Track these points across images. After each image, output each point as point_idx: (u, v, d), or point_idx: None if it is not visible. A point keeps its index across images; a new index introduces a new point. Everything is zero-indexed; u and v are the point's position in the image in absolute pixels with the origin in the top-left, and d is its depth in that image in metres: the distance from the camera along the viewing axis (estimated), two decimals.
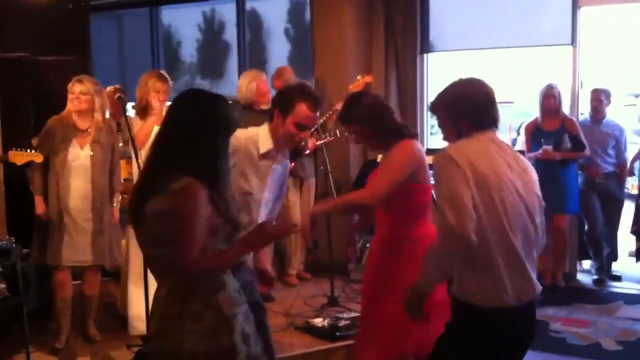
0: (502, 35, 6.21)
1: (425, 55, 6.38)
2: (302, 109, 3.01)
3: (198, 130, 2.24)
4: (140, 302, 4.41)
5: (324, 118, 5.66)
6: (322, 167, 5.59)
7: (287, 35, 8.56)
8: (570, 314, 5.24)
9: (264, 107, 5.35)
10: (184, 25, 8.83)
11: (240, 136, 3.01)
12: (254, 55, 7.91)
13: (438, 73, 6.50)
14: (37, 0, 6.50)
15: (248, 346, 2.29)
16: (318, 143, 5.27)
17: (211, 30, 9.10)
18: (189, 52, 9.15)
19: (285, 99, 3.07)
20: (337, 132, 5.24)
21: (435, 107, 2.70)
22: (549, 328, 4.95)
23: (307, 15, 8.29)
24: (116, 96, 4.74)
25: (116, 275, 5.20)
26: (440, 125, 2.70)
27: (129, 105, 5.50)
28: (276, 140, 3.11)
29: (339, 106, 5.67)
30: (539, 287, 2.55)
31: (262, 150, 3.11)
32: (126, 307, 4.74)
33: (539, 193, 2.59)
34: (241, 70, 7.50)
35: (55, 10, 6.69)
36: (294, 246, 5.87)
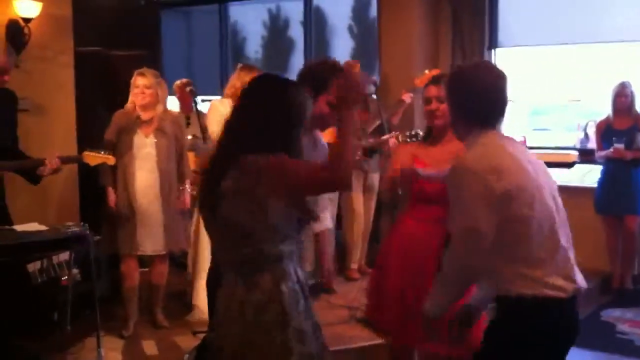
0: (572, 31, 6.09)
1: (492, 50, 6.31)
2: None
3: (268, 118, 2.21)
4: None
5: (391, 112, 5.65)
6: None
7: (351, 32, 8.57)
8: (638, 316, 5.11)
9: None
10: (250, 22, 8.93)
11: None
12: (318, 52, 7.96)
13: (506, 69, 6.40)
14: None
15: (302, 344, 2.20)
16: (384, 138, 5.27)
17: (276, 27, 9.18)
18: (254, 48, 9.25)
19: (318, 77, 2.82)
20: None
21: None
22: (616, 330, 4.85)
23: (371, 12, 8.28)
24: (188, 89, 4.84)
25: (182, 265, 5.32)
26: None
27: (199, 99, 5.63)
28: None
29: (406, 97, 5.65)
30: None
31: None
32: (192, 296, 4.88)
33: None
34: None
35: (127, 6, 6.88)
36: (355, 240, 5.89)
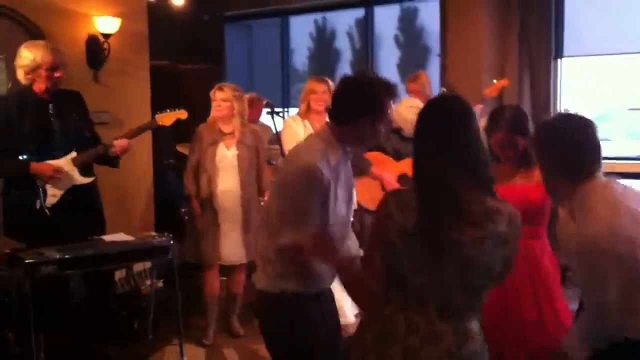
0: (635, 39, 6.02)
1: (559, 60, 6.28)
2: (389, 105, 2.65)
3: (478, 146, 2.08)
4: None
5: None
6: None
7: (397, 42, 8.59)
8: None
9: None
10: (297, 34, 9.01)
11: (314, 157, 2.61)
12: (364, 62, 7.99)
13: (573, 78, 6.37)
14: (176, 12, 6.84)
15: None
16: None
17: (323, 38, 9.25)
18: (301, 60, 9.34)
19: (374, 101, 2.64)
20: None
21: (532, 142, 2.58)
22: None
23: (418, 21, 8.30)
24: (264, 102, 4.96)
25: None
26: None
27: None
28: (350, 144, 2.76)
29: (476, 109, 5.66)
30: None
31: (334, 162, 2.69)
32: None
33: None
34: None
35: (192, 21, 7.02)
36: None
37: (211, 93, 4.69)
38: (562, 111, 2.49)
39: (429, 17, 7.34)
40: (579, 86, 6.45)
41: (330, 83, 4.79)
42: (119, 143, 4.17)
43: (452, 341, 2.03)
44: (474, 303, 2.08)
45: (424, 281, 2.05)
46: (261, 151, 4.82)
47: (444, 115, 2.11)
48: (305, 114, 4.75)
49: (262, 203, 4.79)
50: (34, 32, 4.97)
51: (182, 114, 4.45)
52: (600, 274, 2.23)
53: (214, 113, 4.68)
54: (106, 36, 5.25)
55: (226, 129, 4.67)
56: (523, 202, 3.12)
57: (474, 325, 2.08)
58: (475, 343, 2.07)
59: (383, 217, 2.12)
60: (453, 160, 2.03)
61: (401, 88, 6.49)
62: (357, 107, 2.61)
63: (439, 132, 2.07)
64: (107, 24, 5.21)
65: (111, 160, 4.26)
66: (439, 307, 2.04)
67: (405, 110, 5.18)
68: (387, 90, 2.65)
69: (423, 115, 2.15)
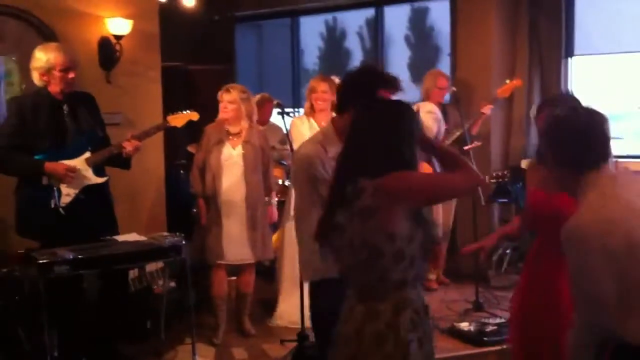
0: None
1: (569, 59, 6.26)
2: (384, 95, 2.66)
3: (390, 140, 2.21)
4: (292, 297, 4.71)
5: (470, 122, 5.66)
6: None
7: (407, 41, 8.58)
8: None
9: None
10: (307, 34, 9.01)
11: (309, 149, 2.80)
12: (373, 62, 7.96)
13: (584, 77, 6.35)
14: (187, 13, 6.87)
15: None
16: (466, 148, 5.29)
17: (333, 38, 9.25)
18: (311, 60, 9.34)
19: (365, 89, 2.67)
20: None
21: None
22: None
23: (428, 21, 8.29)
24: (275, 102, 4.98)
25: (268, 274, 5.42)
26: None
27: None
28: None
29: (486, 109, 5.67)
30: None
31: (332, 153, 2.71)
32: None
33: None
34: None
35: (202, 21, 7.04)
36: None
37: (218, 95, 4.70)
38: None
39: (440, 16, 7.33)
40: (589, 85, 6.42)
41: (337, 81, 4.81)
42: (130, 144, 4.19)
43: (360, 319, 2.18)
44: (379, 281, 2.18)
45: (342, 267, 2.29)
46: (268, 151, 4.85)
47: (373, 114, 2.27)
48: (310, 113, 4.81)
49: (272, 203, 4.84)
50: (46, 34, 5.01)
51: (194, 116, 4.48)
52: (589, 266, 2.11)
53: (220, 115, 4.70)
54: (118, 38, 5.27)
55: (233, 129, 4.69)
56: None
57: (383, 306, 2.17)
58: (380, 322, 2.16)
59: None
60: (357, 153, 2.22)
61: (410, 87, 6.53)
62: (351, 96, 2.69)
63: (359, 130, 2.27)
64: (118, 25, 5.24)
65: (123, 162, 4.29)
66: (357, 288, 2.24)
67: (425, 115, 5.22)
68: (382, 80, 2.69)
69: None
